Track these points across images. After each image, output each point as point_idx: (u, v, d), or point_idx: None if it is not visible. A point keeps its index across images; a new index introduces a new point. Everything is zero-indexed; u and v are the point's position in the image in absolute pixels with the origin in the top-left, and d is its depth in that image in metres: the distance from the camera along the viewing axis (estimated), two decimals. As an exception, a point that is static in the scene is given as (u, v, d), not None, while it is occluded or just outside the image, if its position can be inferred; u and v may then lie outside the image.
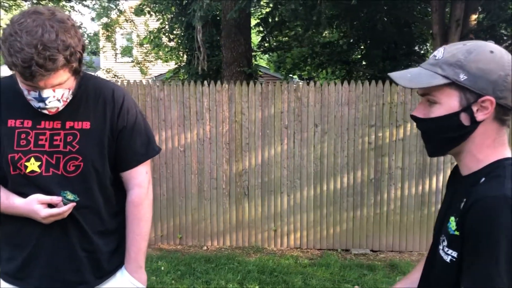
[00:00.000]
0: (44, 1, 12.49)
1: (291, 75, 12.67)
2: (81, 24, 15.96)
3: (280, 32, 8.21)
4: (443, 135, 1.13)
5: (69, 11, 13.70)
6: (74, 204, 1.53)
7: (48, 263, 1.60)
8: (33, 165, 1.54)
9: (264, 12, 8.02)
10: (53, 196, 1.53)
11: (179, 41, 11.61)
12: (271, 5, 5.21)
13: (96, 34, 16.68)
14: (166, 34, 11.65)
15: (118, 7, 14.11)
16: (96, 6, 14.13)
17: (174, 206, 5.52)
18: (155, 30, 12.12)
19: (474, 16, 5.96)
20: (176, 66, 12.39)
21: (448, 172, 5.30)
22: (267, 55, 10.57)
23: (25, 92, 1.48)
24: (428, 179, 5.30)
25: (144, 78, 16.29)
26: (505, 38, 6.89)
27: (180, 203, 5.51)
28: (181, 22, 10.74)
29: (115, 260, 1.72)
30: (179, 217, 5.53)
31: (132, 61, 16.27)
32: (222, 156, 5.42)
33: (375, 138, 5.29)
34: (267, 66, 16.86)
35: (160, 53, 15.01)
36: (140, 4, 11.39)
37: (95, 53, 19.74)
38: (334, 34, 8.18)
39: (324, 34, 8.23)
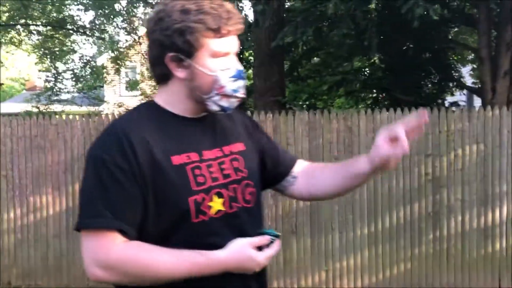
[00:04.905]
0: (56, 34, 12.34)
1: (305, 105, 12.44)
2: (93, 56, 15.80)
3: (309, 61, 8.01)
4: None
5: (83, 43, 13.56)
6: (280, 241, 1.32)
7: None
8: (217, 204, 1.27)
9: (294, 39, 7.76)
10: (251, 237, 1.28)
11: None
12: (310, 32, 4.97)
13: (104, 67, 16.53)
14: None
15: (132, 38, 13.93)
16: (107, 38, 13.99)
17: (216, 247, 5.10)
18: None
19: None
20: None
21: (512, 203, 4.95)
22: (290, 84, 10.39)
23: (220, 76, 1.27)
24: (491, 211, 4.93)
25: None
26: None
27: (222, 243, 5.09)
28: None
29: None
30: (221, 258, 5.11)
31: (142, 94, 16.05)
32: (268, 191, 5.04)
33: (432, 168, 4.94)
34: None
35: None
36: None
37: (100, 86, 19.54)
38: (363, 60, 7.99)
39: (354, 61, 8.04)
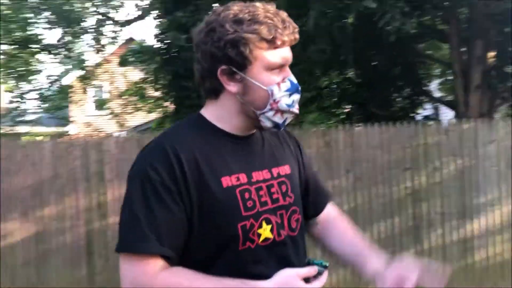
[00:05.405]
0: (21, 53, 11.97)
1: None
2: (60, 75, 15.42)
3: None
4: None
5: (50, 62, 13.27)
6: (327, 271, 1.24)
7: None
8: (266, 231, 1.19)
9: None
10: (295, 266, 1.20)
11: (165, 90, 11.28)
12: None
13: (71, 86, 16.12)
14: (152, 84, 11.33)
15: (101, 58, 13.69)
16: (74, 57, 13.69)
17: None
18: (140, 80, 11.76)
19: (492, 54, 5.89)
20: (163, 116, 11.99)
21: (490, 215, 4.98)
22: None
23: (275, 91, 1.18)
24: (471, 223, 4.95)
25: (122, 130, 15.67)
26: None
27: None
28: (168, 71, 10.46)
29: None
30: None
31: (111, 113, 15.69)
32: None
33: (411, 182, 4.94)
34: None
35: (140, 104, 14.56)
36: (125, 54, 11.06)
37: (66, 106, 19.04)
38: (332, 76, 8.03)
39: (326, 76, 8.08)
